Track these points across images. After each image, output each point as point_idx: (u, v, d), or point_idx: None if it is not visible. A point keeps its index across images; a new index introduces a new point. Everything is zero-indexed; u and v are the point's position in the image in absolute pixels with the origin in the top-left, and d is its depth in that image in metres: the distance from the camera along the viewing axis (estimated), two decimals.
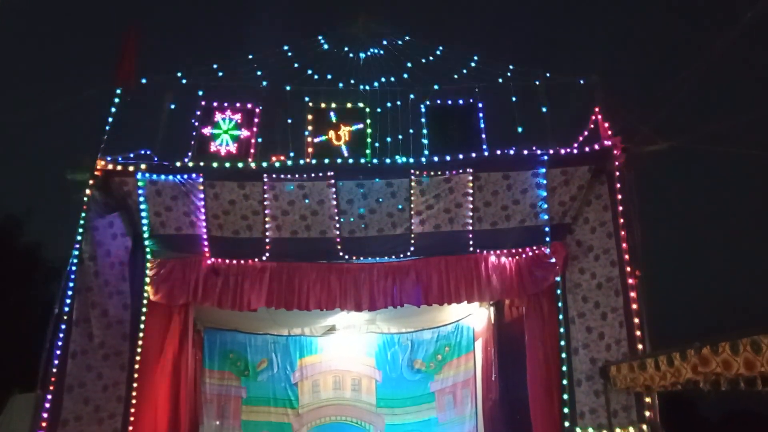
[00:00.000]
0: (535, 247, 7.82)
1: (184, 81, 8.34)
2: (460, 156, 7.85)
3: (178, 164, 7.85)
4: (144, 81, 8.31)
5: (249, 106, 8.37)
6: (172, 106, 8.26)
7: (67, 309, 7.29)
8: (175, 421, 7.73)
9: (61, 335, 7.19)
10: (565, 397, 7.27)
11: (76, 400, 7.08)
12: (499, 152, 7.97)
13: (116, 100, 8.14)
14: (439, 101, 8.39)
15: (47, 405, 6.93)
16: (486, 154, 7.99)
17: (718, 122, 7.26)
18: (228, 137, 8.16)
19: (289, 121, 8.19)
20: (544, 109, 8.21)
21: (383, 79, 8.37)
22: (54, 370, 7.06)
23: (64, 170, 7.89)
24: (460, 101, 8.43)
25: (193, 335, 8.70)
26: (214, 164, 7.85)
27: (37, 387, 7.10)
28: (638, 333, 7.25)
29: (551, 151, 7.81)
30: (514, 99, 8.24)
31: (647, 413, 6.99)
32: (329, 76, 8.44)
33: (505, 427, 9.16)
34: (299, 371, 10.98)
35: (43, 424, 6.86)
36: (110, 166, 7.80)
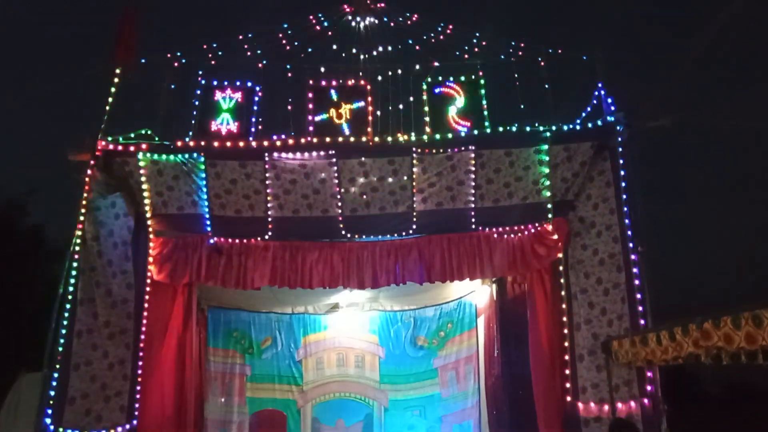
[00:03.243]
0: (537, 224, 7.81)
1: (183, 60, 8.29)
2: (462, 133, 7.83)
3: (179, 144, 7.83)
4: (143, 61, 8.26)
5: (249, 84, 8.33)
6: (172, 86, 8.21)
7: (71, 289, 7.34)
8: (181, 398, 7.82)
9: (67, 315, 7.26)
10: (567, 372, 7.32)
11: (82, 378, 7.16)
12: (501, 129, 7.93)
13: (116, 80, 8.11)
14: (440, 77, 8.34)
15: (54, 383, 7.02)
16: (488, 131, 7.96)
17: (722, 97, 7.20)
18: (228, 116, 8.12)
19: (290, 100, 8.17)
20: (546, 86, 8.15)
21: (380, 47, 8.29)
22: (60, 349, 7.14)
23: (65, 151, 7.89)
24: (462, 78, 8.38)
25: (197, 314, 8.76)
26: (215, 143, 7.83)
27: (44, 366, 7.19)
28: (640, 308, 7.28)
29: (554, 128, 7.77)
30: (516, 75, 8.19)
31: (648, 387, 7.04)
32: (334, 47, 8.37)
33: (508, 402, 9.26)
34: (303, 349, 11.08)
35: (51, 402, 6.96)
36: (111, 147, 7.78)
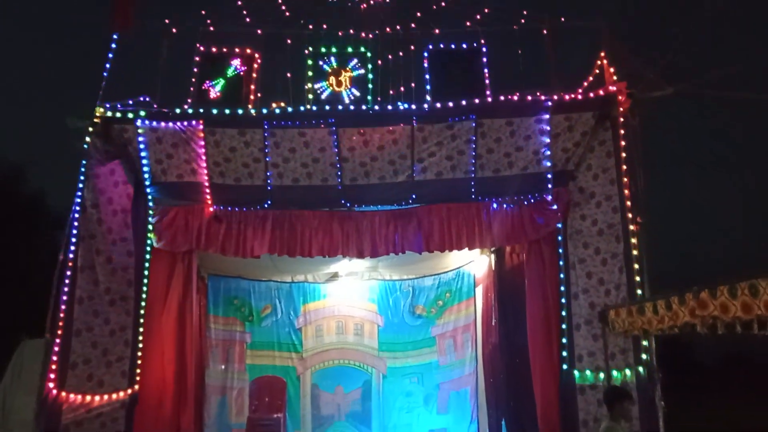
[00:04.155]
0: (537, 194, 7.80)
1: (181, 27, 8.19)
2: (463, 102, 7.77)
3: (177, 111, 7.77)
4: (141, 27, 8.16)
5: (248, 51, 8.24)
6: (170, 52, 8.12)
7: (71, 256, 7.38)
8: (182, 364, 7.91)
9: (67, 281, 7.31)
10: (564, 340, 7.40)
11: (84, 344, 7.25)
12: (502, 98, 7.86)
13: (114, 46, 8.02)
14: (442, 45, 8.25)
15: (56, 349, 7.10)
16: (489, 100, 7.89)
17: (726, 66, 7.13)
18: (222, 82, 8.05)
19: (289, 70, 8.09)
20: (548, 54, 8.06)
21: (381, 14, 8.19)
22: (62, 315, 7.20)
23: (64, 118, 7.85)
24: (464, 45, 8.29)
25: (197, 282, 8.81)
26: (214, 111, 7.78)
27: (46, 332, 7.26)
28: (638, 278, 7.33)
29: (555, 97, 7.70)
30: (518, 43, 8.10)
31: (644, 356, 7.13)
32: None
33: (505, 370, 9.38)
34: (303, 317, 11.19)
35: (54, 367, 7.05)
36: (109, 114, 7.73)
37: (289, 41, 8.20)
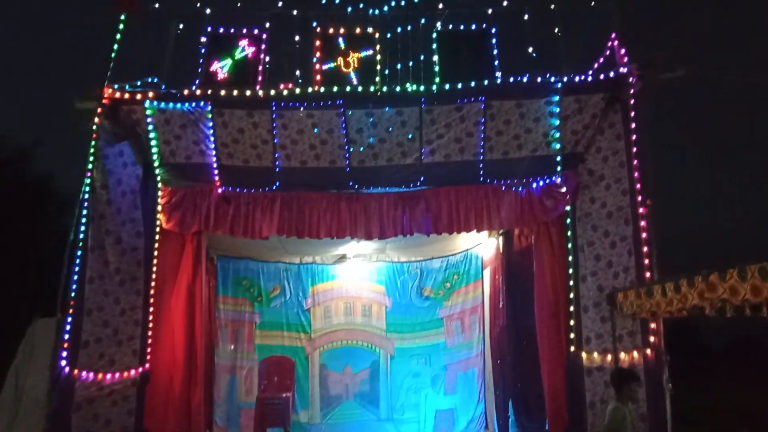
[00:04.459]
0: (546, 177, 7.76)
1: (188, 8, 8.15)
2: (473, 84, 7.71)
3: (185, 92, 7.77)
4: (148, 8, 8.12)
5: (256, 32, 8.19)
6: (178, 31, 8.09)
7: (82, 236, 7.43)
8: (191, 344, 8.00)
9: (78, 262, 7.36)
10: (572, 323, 7.40)
11: (95, 323, 7.32)
12: (512, 80, 7.79)
13: (121, 26, 8.00)
14: (451, 26, 8.17)
15: (68, 327, 7.19)
16: (499, 82, 7.83)
17: (738, 49, 7.02)
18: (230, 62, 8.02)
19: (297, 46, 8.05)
20: (558, 35, 7.96)
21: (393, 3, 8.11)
22: (73, 294, 7.28)
23: (71, 99, 7.86)
24: (473, 26, 8.21)
25: (206, 263, 8.88)
26: (222, 92, 7.77)
27: (57, 311, 7.34)
28: (646, 261, 7.30)
29: (565, 79, 7.63)
30: (527, 24, 8.00)
31: (652, 338, 7.13)
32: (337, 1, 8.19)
33: (512, 352, 9.42)
34: (311, 298, 11.27)
35: (66, 346, 7.14)
36: (118, 95, 7.74)
37: (297, 20, 8.13)
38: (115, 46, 7.94)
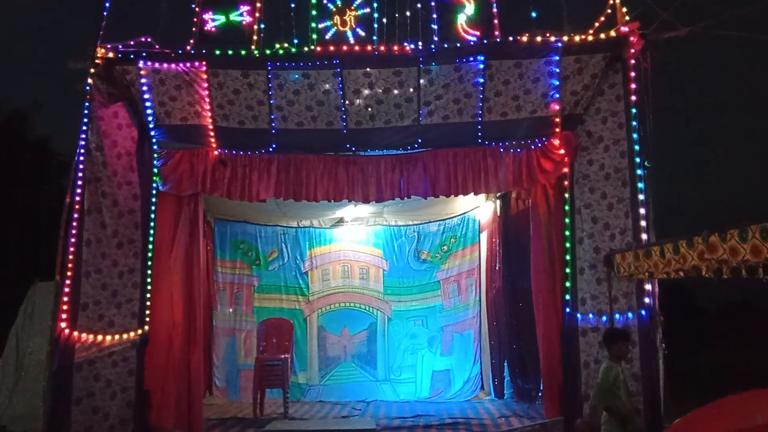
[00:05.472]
0: (545, 138, 7.70)
1: None
2: (471, 42, 7.59)
3: (180, 52, 7.64)
4: None
5: None
6: None
7: (78, 199, 7.39)
8: (190, 306, 8.03)
9: (75, 224, 7.34)
10: (568, 284, 7.44)
11: (94, 286, 7.34)
12: (511, 39, 7.66)
13: None
14: None
15: (67, 290, 7.20)
16: (498, 41, 7.70)
17: (742, 6, 6.89)
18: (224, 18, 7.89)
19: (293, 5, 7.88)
20: None
21: None
22: (70, 257, 7.27)
23: (66, 59, 7.73)
24: None
25: (203, 226, 8.86)
26: (217, 52, 7.63)
27: (56, 274, 7.36)
28: (643, 223, 7.30)
29: (565, 38, 7.51)
30: None
31: (647, 300, 7.18)
32: None
33: (508, 314, 9.53)
34: (309, 261, 11.31)
35: (65, 308, 7.17)
36: (111, 54, 7.61)
37: None
38: (107, 4, 7.77)
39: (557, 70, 7.47)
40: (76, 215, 7.36)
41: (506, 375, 9.82)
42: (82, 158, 7.46)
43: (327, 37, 7.76)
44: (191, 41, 7.84)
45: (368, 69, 7.57)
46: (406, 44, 7.61)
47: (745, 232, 4.36)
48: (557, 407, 7.51)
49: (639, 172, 7.38)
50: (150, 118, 7.72)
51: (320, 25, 7.78)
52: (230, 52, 7.63)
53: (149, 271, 7.66)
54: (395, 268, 11.38)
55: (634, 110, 7.46)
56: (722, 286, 5.12)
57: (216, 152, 7.89)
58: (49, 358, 7.07)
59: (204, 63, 7.57)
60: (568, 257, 7.48)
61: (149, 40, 7.82)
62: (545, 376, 7.72)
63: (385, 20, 7.75)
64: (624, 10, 7.58)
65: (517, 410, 8.78)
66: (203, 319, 8.67)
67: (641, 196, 7.35)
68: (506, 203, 9.69)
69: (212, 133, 7.83)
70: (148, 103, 7.66)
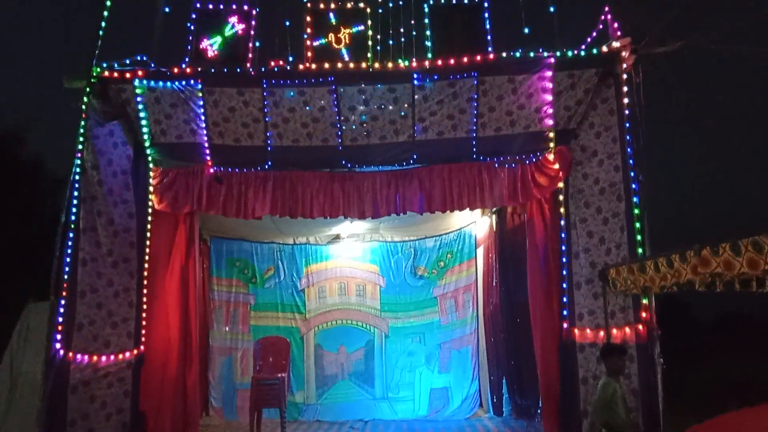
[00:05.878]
0: (539, 153, 7.72)
1: None
2: (465, 59, 7.64)
3: (175, 70, 7.67)
4: None
5: (245, 8, 8.07)
6: (167, 10, 7.97)
7: (73, 218, 7.36)
8: (186, 325, 8.00)
9: (70, 244, 7.30)
10: (565, 299, 7.43)
11: (89, 305, 7.29)
12: (504, 55, 7.72)
13: (108, 3, 7.87)
14: (443, 1, 8.07)
15: (62, 310, 7.15)
16: (491, 57, 7.75)
17: (734, 20, 6.96)
18: (220, 40, 7.92)
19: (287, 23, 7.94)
20: (552, 9, 7.88)
21: None
22: (65, 277, 7.23)
23: (61, 79, 7.74)
24: (465, 0, 8.11)
25: (199, 244, 8.84)
26: (212, 70, 7.66)
27: (51, 294, 7.29)
28: (639, 237, 7.30)
29: (558, 54, 7.57)
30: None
31: (644, 314, 7.16)
32: None
33: (505, 329, 9.49)
34: (305, 278, 11.28)
35: (60, 328, 7.11)
36: (107, 73, 7.63)
37: None
38: (103, 24, 7.81)
39: (550, 86, 7.52)
40: (71, 234, 7.33)
41: (504, 392, 9.76)
42: (77, 177, 7.46)
43: (322, 54, 7.78)
44: (186, 59, 7.87)
45: (363, 85, 7.61)
46: (400, 61, 7.65)
47: (737, 245, 4.36)
48: (556, 424, 7.45)
49: (633, 186, 7.40)
50: (145, 137, 7.73)
51: (315, 43, 7.83)
52: (225, 70, 7.66)
53: (145, 290, 7.62)
54: (392, 284, 11.36)
55: (627, 124, 7.50)
56: (716, 297, 5.11)
57: (212, 170, 7.88)
58: (43, 379, 7.00)
59: (199, 81, 7.60)
60: (564, 272, 7.47)
61: (145, 58, 7.86)
62: (543, 392, 7.66)
63: (379, 37, 7.80)
64: (616, 25, 7.65)
65: (516, 428, 8.72)
66: (199, 338, 8.62)
67: (636, 211, 7.37)
68: (502, 218, 9.70)
69: (208, 151, 7.83)
70: (143, 122, 7.68)
